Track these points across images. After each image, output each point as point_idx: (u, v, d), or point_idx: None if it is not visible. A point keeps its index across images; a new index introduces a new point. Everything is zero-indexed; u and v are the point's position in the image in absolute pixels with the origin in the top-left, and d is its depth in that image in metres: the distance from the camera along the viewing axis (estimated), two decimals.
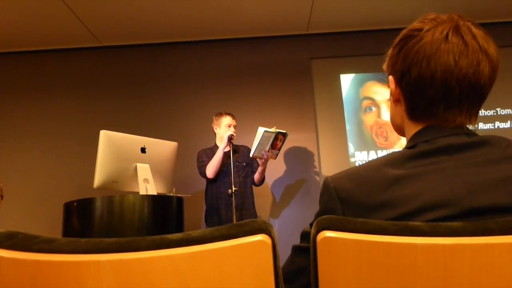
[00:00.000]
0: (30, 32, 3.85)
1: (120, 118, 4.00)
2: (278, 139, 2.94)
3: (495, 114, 3.97)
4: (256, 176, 3.08)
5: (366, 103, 4.04)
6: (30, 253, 0.55)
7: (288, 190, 3.83)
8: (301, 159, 3.93)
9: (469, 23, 0.71)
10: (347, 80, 4.10)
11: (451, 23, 0.70)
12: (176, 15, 3.70)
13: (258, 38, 4.18)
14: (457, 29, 0.70)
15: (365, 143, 3.94)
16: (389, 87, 0.80)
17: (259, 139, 2.83)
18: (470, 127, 0.73)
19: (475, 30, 0.70)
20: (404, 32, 0.75)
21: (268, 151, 2.94)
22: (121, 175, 2.26)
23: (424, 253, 0.53)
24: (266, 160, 2.98)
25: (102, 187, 2.19)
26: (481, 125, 3.95)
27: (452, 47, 0.68)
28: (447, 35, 0.69)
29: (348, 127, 3.97)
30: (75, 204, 2.12)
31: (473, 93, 0.69)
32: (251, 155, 2.92)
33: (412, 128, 0.76)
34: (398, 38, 0.76)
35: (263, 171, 3.05)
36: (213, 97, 4.04)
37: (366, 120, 3.99)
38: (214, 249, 0.55)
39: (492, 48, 0.70)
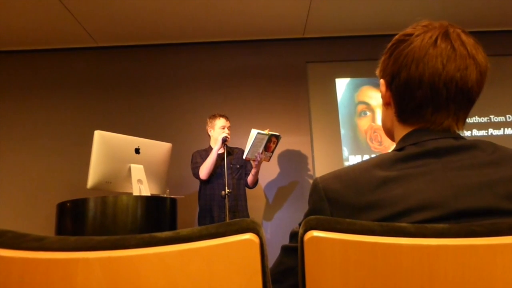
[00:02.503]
0: (25, 31, 3.84)
1: (115, 119, 3.99)
2: (271, 141, 2.95)
3: (488, 121, 4.00)
4: (250, 178, 3.09)
5: (361, 107, 4.06)
6: (18, 251, 0.55)
7: (282, 193, 3.84)
8: (295, 162, 3.94)
9: (459, 30, 0.73)
10: (342, 84, 4.12)
11: (441, 29, 0.73)
12: (172, 17, 3.71)
13: (255, 41, 4.19)
14: (446, 35, 0.71)
15: (359, 147, 3.95)
16: (380, 90, 0.81)
17: (252, 141, 2.84)
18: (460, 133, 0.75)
19: (464, 37, 0.72)
20: (396, 37, 0.77)
21: (262, 153, 2.94)
22: (114, 175, 2.26)
23: (409, 254, 0.54)
24: (260, 162, 2.98)
25: (95, 188, 2.19)
26: (475, 132, 3.99)
27: (440, 52, 0.70)
28: (436, 40, 0.71)
29: (342, 131, 3.99)
30: (68, 204, 2.11)
31: (460, 96, 0.71)
32: (244, 157, 2.93)
33: (402, 131, 0.77)
34: (390, 43, 0.78)
35: (257, 173, 3.06)
36: (208, 99, 4.04)
37: (361, 125, 4.01)
38: (202, 247, 0.56)
39: (480, 55, 0.71)
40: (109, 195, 2.14)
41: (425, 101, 0.72)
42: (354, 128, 4.00)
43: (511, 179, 0.64)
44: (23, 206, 3.75)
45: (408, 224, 0.58)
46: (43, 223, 3.56)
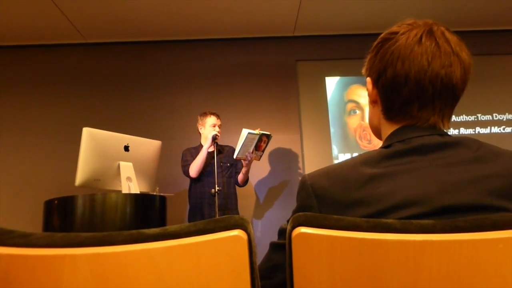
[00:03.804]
0: (11, 26, 3.78)
1: (104, 116, 3.96)
2: (262, 141, 2.96)
3: (476, 119, 4.06)
4: (240, 177, 3.09)
5: (350, 106, 4.09)
6: (4, 247, 0.55)
7: (272, 191, 3.85)
8: (285, 161, 3.95)
9: (443, 28, 0.74)
10: (332, 83, 4.14)
11: (425, 27, 0.74)
12: (162, 14, 3.68)
13: (245, 39, 4.19)
14: (430, 33, 0.73)
15: (349, 146, 3.98)
16: (367, 89, 0.82)
17: (242, 141, 2.84)
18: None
19: (448, 35, 0.74)
20: (381, 35, 0.78)
21: (252, 152, 2.95)
22: (103, 173, 2.24)
23: (395, 249, 0.54)
24: (250, 162, 2.99)
25: (84, 185, 2.17)
26: (463, 130, 4.04)
27: (425, 49, 0.71)
28: (420, 38, 0.72)
29: (332, 129, 4.01)
30: (56, 202, 2.09)
31: (445, 92, 0.72)
32: (234, 157, 2.93)
33: (388, 129, 0.78)
34: (376, 42, 0.79)
35: (247, 172, 3.06)
36: (198, 97, 4.03)
37: (350, 123, 4.04)
38: (190, 243, 0.56)
39: (464, 53, 0.73)
40: (97, 192, 2.13)
41: (411, 98, 0.73)
42: (343, 126, 4.03)
43: (495, 175, 0.65)
44: (9, 203, 3.70)
45: (394, 220, 0.59)
46: (30, 221, 3.52)
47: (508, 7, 3.84)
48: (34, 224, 3.31)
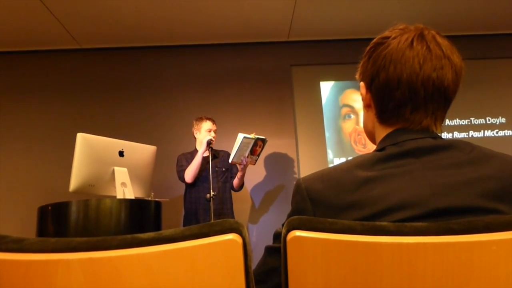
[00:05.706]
0: (5, 32, 3.76)
1: (99, 121, 3.94)
2: (257, 145, 2.96)
3: (469, 123, 4.09)
4: (236, 182, 3.09)
5: (345, 110, 4.10)
6: None
7: (267, 196, 3.85)
8: (280, 165, 3.95)
9: (434, 32, 0.76)
10: (327, 88, 4.15)
11: (416, 32, 0.75)
12: (157, 19, 3.69)
13: (240, 44, 4.20)
14: (421, 37, 0.74)
15: (344, 150, 3.99)
16: (361, 93, 0.83)
17: (238, 145, 2.85)
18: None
19: (439, 39, 0.75)
20: (374, 40, 0.79)
21: (247, 157, 2.95)
22: (98, 178, 2.22)
23: (389, 252, 0.54)
24: (245, 166, 2.99)
25: (78, 191, 2.15)
26: (456, 134, 4.07)
27: (417, 53, 0.72)
28: (412, 42, 0.73)
29: (327, 134, 4.02)
30: (49, 208, 2.08)
31: (437, 94, 0.73)
32: (230, 161, 2.93)
33: (382, 132, 0.79)
34: (368, 47, 0.80)
35: (242, 176, 3.06)
36: (193, 102, 4.03)
37: (345, 127, 4.05)
38: (185, 247, 0.56)
39: (455, 55, 0.74)
40: (92, 198, 2.11)
41: (404, 101, 0.74)
42: (338, 130, 4.04)
43: (487, 177, 0.66)
44: (3, 209, 3.67)
45: (388, 223, 0.59)
46: (24, 228, 3.49)
47: (502, 11, 3.88)
48: (28, 230, 3.28)
